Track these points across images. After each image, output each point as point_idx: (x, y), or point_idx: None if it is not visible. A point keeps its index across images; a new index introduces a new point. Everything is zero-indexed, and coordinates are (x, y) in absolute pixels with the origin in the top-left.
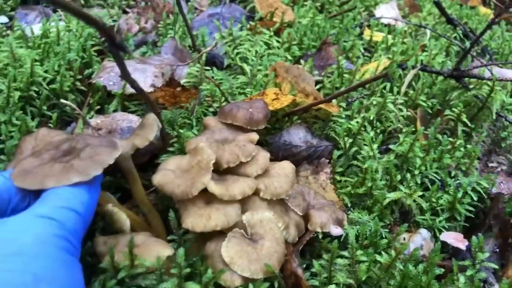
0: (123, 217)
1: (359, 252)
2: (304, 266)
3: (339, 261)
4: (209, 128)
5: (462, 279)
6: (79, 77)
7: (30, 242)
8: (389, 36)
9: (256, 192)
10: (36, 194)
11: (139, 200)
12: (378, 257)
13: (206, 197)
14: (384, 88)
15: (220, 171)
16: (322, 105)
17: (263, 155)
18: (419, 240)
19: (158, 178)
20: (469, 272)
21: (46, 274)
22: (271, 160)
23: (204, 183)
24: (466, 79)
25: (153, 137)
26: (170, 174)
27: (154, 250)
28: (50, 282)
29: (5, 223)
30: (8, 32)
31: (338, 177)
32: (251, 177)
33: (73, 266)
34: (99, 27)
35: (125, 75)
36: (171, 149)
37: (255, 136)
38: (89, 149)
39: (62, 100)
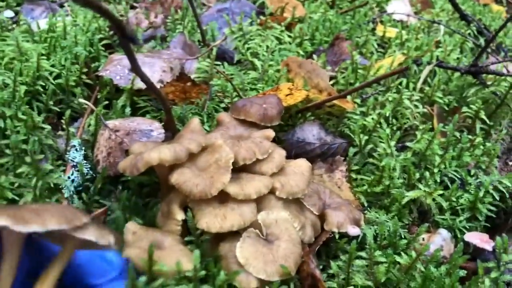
0: None
1: (377, 252)
2: (321, 267)
3: (357, 262)
4: (222, 124)
5: (487, 281)
6: (85, 70)
7: None
8: (403, 32)
9: (272, 191)
10: None
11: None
12: (397, 258)
13: (221, 196)
14: (400, 84)
15: (234, 169)
16: (336, 101)
17: (279, 153)
18: (439, 241)
19: (175, 177)
20: (493, 275)
21: None
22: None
23: (224, 183)
24: (483, 75)
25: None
26: (187, 172)
27: (176, 258)
28: None
29: None
30: (14, 26)
31: (353, 175)
32: (266, 176)
33: None
34: (109, 17)
35: (135, 68)
36: None
37: (271, 133)
38: None
39: (81, 100)
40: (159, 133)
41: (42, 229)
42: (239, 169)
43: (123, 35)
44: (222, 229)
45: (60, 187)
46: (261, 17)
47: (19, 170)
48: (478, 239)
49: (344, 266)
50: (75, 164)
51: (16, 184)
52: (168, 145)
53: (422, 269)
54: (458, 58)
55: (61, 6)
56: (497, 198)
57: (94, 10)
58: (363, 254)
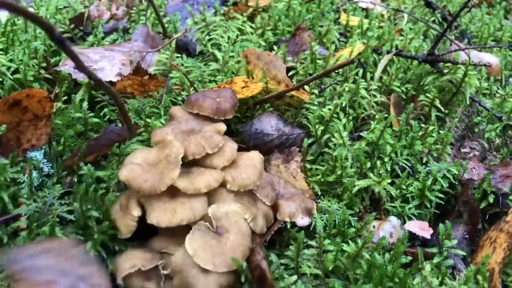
0: None
1: (326, 241)
2: (273, 256)
3: (307, 251)
4: (175, 118)
5: (428, 267)
6: (44, 65)
7: None
8: (365, 21)
9: (223, 184)
10: None
11: None
12: (345, 247)
13: (171, 190)
14: (357, 74)
15: (186, 163)
16: (294, 92)
17: (230, 146)
18: (388, 228)
19: (124, 173)
20: (436, 260)
21: None
22: (242, 149)
23: (172, 178)
24: (442, 63)
25: None
26: (137, 169)
27: None
28: None
29: None
30: None
31: (308, 165)
32: (217, 169)
33: None
34: (36, 20)
35: (79, 67)
36: (140, 138)
37: (222, 127)
38: None
39: None
40: None
41: None
42: (191, 163)
43: (52, 37)
44: (171, 224)
45: (18, 181)
46: (225, 7)
47: None
48: (417, 227)
49: (293, 255)
50: (33, 161)
51: None
52: None
53: (368, 256)
54: (418, 46)
55: None
56: (446, 185)
57: (22, 16)
58: (313, 242)
